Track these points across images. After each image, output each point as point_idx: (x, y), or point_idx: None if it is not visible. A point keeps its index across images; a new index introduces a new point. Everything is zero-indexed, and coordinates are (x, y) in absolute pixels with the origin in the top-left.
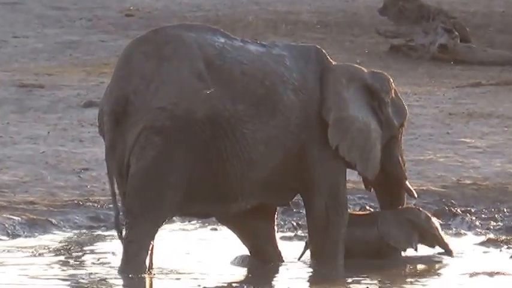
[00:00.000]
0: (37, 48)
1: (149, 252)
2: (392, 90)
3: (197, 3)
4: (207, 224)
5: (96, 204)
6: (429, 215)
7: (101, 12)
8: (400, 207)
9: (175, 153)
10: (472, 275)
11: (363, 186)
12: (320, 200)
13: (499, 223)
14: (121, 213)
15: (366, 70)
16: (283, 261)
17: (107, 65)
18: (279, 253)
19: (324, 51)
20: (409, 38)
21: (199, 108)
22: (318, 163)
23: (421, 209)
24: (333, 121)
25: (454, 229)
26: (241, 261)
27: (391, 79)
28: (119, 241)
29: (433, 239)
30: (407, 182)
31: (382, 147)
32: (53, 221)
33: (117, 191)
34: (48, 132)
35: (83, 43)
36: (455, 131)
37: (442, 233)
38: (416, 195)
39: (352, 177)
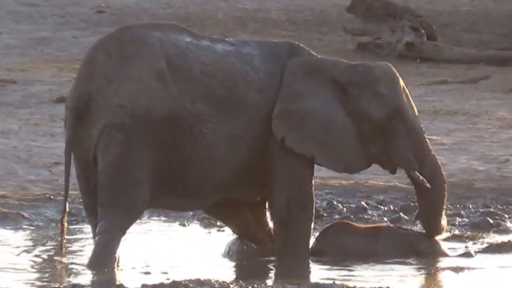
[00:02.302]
0: (10, 44)
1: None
2: (381, 82)
3: (167, 0)
4: (175, 220)
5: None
6: (433, 240)
7: (73, 8)
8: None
9: (137, 149)
10: (437, 270)
11: (331, 182)
12: (281, 194)
13: (465, 219)
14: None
15: (344, 62)
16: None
17: (78, 61)
18: (272, 237)
19: (300, 45)
20: (376, 36)
21: (158, 107)
22: (279, 157)
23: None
24: (277, 113)
25: (419, 225)
26: (232, 247)
27: (375, 71)
28: (60, 238)
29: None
30: (415, 173)
31: (371, 140)
32: (25, 214)
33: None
34: (20, 127)
35: (55, 39)
36: None
37: (442, 250)
38: (429, 185)
39: (320, 173)
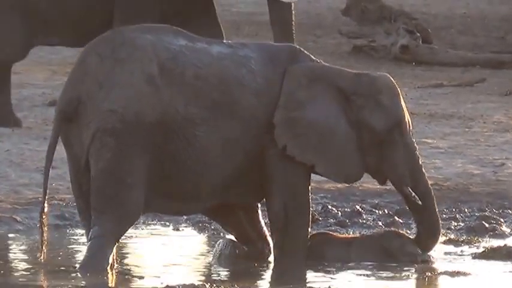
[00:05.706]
0: None
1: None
2: (383, 94)
3: None
4: (169, 223)
5: (61, 202)
6: (404, 236)
7: None
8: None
9: (129, 154)
10: (432, 275)
11: (325, 186)
12: (278, 199)
13: (460, 223)
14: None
15: (347, 71)
16: (269, 245)
17: (71, 65)
18: (265, 237)
19: (301, 49)
20: (371, 39)
21: (149, 112)
22: (276, 162)
23: (395, 230)
24: (279, 121)
25: (415, 228)
26: (223, 250)
27: (378, 82)
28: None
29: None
30: (408, 189)
31: (369, 151)
32: (18, 218)
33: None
34: (13, 130)
35: None
36: (417, 131)
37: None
38: (420, 203)
39: (314, 177)
